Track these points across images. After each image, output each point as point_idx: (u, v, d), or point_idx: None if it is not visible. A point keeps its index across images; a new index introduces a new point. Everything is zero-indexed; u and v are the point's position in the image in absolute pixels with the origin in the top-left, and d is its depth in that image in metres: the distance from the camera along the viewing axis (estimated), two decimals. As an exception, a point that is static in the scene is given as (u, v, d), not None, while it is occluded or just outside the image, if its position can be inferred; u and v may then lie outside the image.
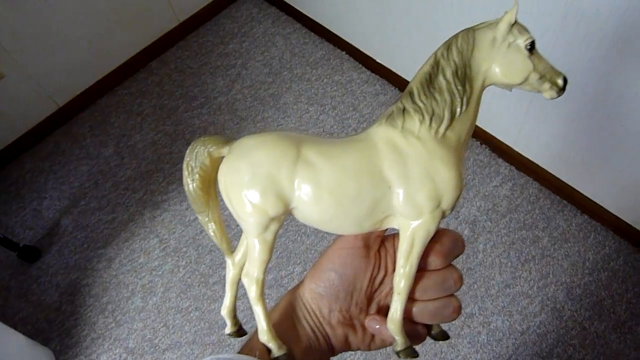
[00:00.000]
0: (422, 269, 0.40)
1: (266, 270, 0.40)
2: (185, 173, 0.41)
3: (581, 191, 1.41)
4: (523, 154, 1.50)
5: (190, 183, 0.41)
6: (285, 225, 1.57)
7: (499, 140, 1.54)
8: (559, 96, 0.37)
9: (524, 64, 0.36)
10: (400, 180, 0.37)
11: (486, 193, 1.54)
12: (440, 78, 0.37)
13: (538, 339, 1.33)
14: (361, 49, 1.81)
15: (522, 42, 0.36)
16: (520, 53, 0.36)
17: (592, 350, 1.30)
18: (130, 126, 1.88)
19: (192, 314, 1.49)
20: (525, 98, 1.33)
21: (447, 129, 0.37)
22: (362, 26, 1.71)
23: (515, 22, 0.37)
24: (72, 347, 1.49)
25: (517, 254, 1.44)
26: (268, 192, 0.36)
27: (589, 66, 1.11)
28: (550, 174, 1.46)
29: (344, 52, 1.90)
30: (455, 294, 0.42)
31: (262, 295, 0.40)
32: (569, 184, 1.43)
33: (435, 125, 0.37)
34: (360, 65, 1.86)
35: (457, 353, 1.33)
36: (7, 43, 1.65)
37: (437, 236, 0.40)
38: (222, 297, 0.40)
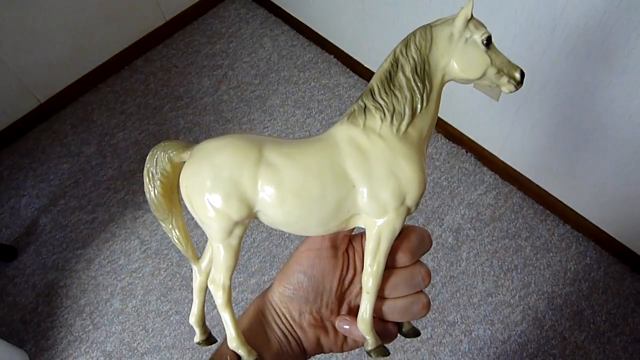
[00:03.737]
0: (390, 266, 0.40)
1: (232, 276, 0.39)
2: (146, 180, 0.40)
3: (564, 201, 1.43)
4: (508, 163, 1.50)
5: (152, 190, 0.40)
6: (269, 230, 1.56)
7: (485, 149, 1.54)
8: (517, 89, 0.38)
9: (481, 58, 0.37)
10: (364, 179, 0.36)
11: (470, 201, 1.54)
12: (400, 75, 0.37)
13: (519, 348, 1.33)
14: (349, 53, 1.81)
15: (478, 37, 0.36)
16: (477, 48, 0.37)
17: (571, 360, 1.31)
18: (114, 124, 1.85)
19: (172, 318, 1.47)
20: (512, 107, 1.33)
21: (408, 125, 0.37)
22: (351, 30, 1.71)
23: (472, 17, 0.37)
24: (47, 349, 1.45)
25: (499, 263, 1.45)
26: (231, 195, 0.36)
27: (576, 79, 1.12)
28: (534, 183, 1.47)
29: (332, 56, 1.89)
30: (425, 291, 0.42)
31: (230, 302, 0.39)
32: (553, 194, 1.44)
33: (397, 122, 0.37)
34: (348, 70, 1.85)
35: (439, 361, 1.33)
36: (-12, 36, 1.61)
37: (404, 233, 0.40)
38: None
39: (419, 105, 0.37)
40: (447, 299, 1.41)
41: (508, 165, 1.51)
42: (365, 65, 1.76)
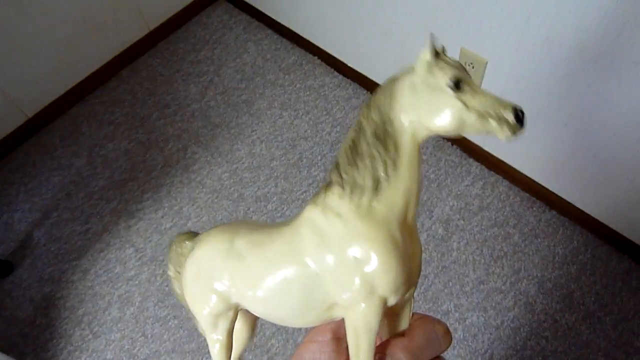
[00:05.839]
0: None
1: None
2: (170, 278, 0.43)
3: (549, 188, 1.46)
4: (492, 153, 1.54)
5: (177, 288, 0.42)
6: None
7: (469, 141, 1.58)
8: (515, 133, 0.29)
9: (450, 105, 0.29)
10: (325, 266, 0.31)
11: (458, 192, 1.57)
12: (363, 142, 0.32)
13: (512, 333, 1.36)
14: (333, 54, 1.83)
15: (442, 79, 0.29)
16: (444, 94, 0.29)
17: (563, 341, 1.34)
18: (103, 135, 1.86)
19: (170, 323, 1.48)
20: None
21: (371, 199, 0.31)
22: (333, 31, 1.73)
23: (437, 57, 0.30)
24: (48, 361, 1.46)
25: (489, 251, 1.48)
26: (207, 289, 0.36)
27: (552, 67, 1.15)
28: (519, 172, 1.50)
29: (315, 57, 1.92)
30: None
31: None
32: (537, 181, 1.48)
33: (357, 197, 0.31)
34: (332, 70, 1.88)
35: (435, 350, 1.36)
36: (-27, 54, 1.62)
37: (409, 328, 0.35)
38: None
39: (382, 174, 0.31)
40: (440, 289, 1.44)
41: (492, 155, 1.54)
42: (349, 65, 1.79)
